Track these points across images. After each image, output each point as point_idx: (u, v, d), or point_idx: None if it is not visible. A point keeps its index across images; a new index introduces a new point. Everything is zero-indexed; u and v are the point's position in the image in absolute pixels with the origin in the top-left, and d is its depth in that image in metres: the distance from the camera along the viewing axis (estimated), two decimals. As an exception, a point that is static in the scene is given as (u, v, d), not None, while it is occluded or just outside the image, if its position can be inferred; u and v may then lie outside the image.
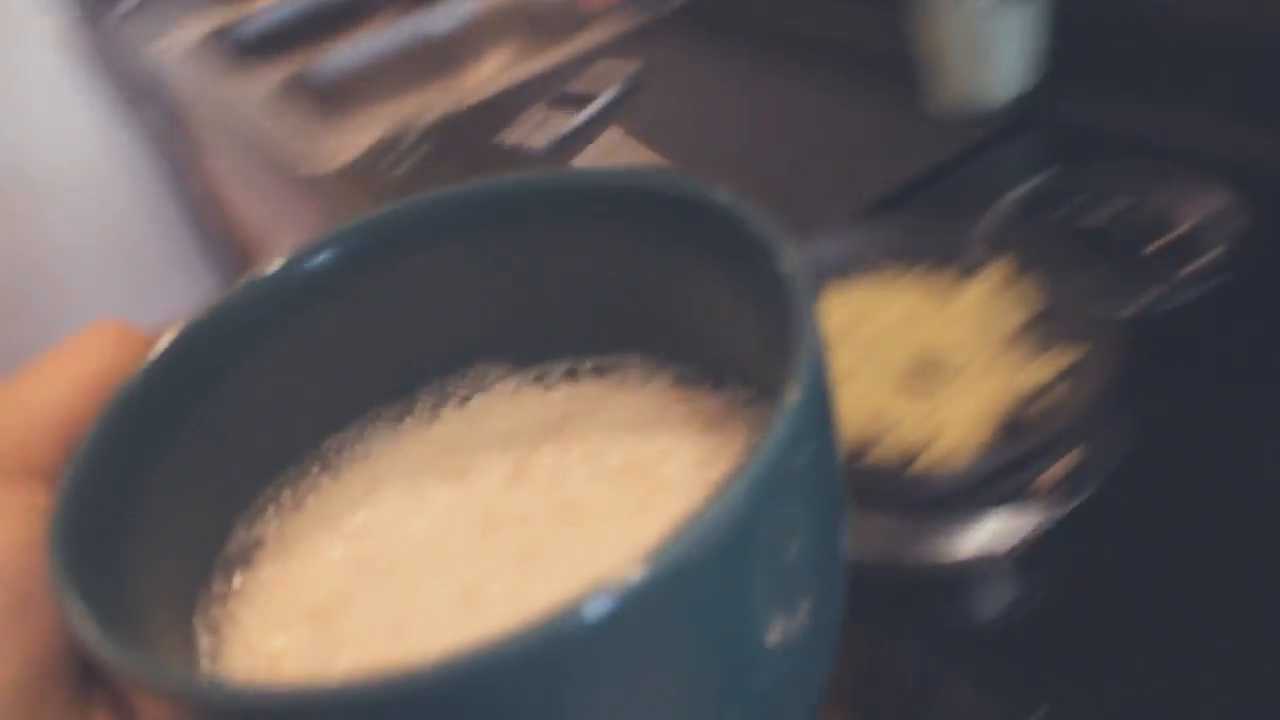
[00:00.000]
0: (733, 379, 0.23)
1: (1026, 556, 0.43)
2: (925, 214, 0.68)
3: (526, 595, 0.20)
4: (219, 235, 2.02)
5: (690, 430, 0.23)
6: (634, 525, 0.21)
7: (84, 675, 0.20)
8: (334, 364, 0.23)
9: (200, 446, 0.22)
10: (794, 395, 0.16)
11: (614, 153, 0.85)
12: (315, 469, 0.24)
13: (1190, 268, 0.56)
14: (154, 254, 2.13)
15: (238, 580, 0.22)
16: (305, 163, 1.00)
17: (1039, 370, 0.47)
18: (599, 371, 0.24)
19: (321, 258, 0.22)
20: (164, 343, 0.21)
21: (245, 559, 0.22)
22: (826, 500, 0.18)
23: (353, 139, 1.01)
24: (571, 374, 0.24)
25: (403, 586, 0.21)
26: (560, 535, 0.21)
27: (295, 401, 0.23)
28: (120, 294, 2.12)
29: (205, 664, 0.21)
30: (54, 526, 0.18)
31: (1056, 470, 0.44)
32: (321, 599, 0.21)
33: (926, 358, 0.49)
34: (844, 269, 0.55)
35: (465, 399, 0.24)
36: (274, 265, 0.22)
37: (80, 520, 0.18)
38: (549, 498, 0.22)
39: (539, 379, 0.24)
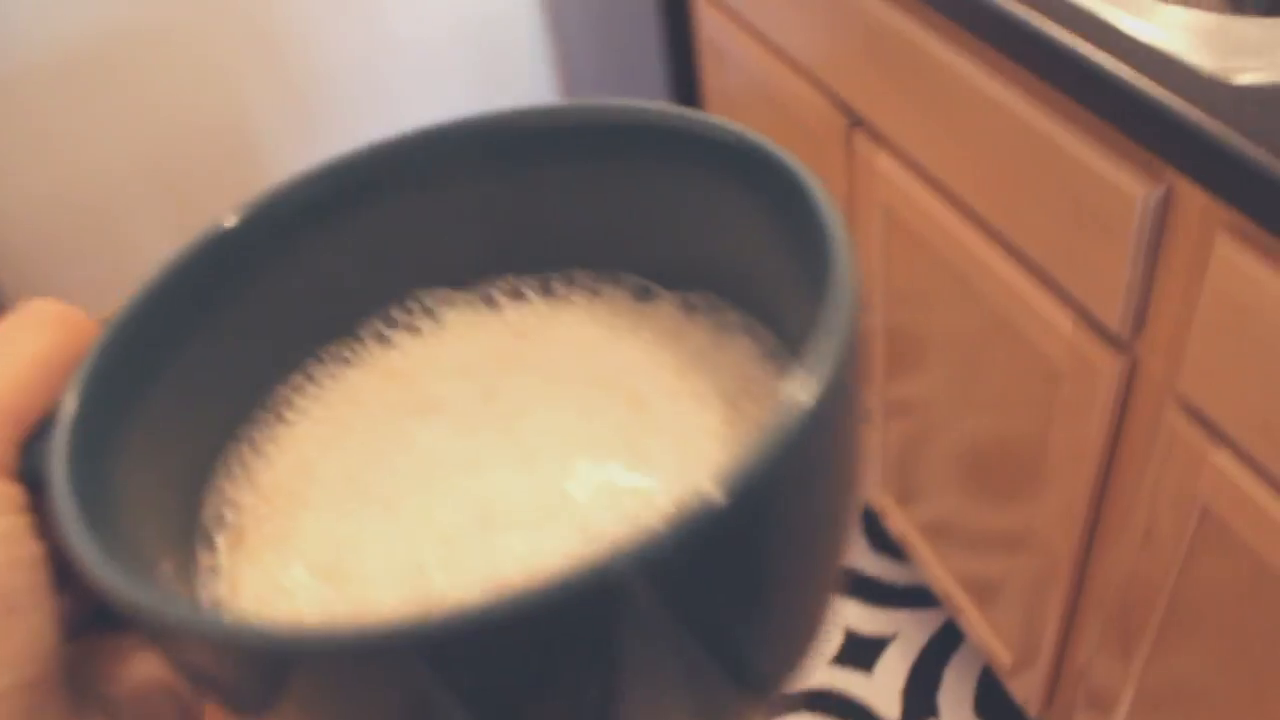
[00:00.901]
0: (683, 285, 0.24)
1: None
2: None
3: (548, 507, 0.20)
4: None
5: (648, 341, 0.23)
6: (631, 436, 0.21)
7: (78, 685, 0.19)
8: (282, 309, 0.22)
9: (166, 413, 0.20)
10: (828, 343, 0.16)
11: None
12: (270, 419, 0.22)
13: None
14: (515, 48, 1.67)
15: (223, 548, 0.20)
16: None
17: None
18: (545, 290, 0.24)
19: (294, 199, 0.20)
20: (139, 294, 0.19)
21: (224, 525, 0.21)
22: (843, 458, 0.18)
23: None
24: (517, 293, 0.24)
25: (413, 521, 0.21)
26: (553, 445, 0.21)
27: (245, 353, 0.21)
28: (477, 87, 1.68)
29: None
30: (62, 476, 0.17)
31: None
32: (328, 553, 0.20)
33: None
34: None
35: (413, 329, 0.24)
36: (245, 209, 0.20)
37: (79, 475, 0.17)
38: (529, 416, 0.22)
39: (485, 301, 0.24)
